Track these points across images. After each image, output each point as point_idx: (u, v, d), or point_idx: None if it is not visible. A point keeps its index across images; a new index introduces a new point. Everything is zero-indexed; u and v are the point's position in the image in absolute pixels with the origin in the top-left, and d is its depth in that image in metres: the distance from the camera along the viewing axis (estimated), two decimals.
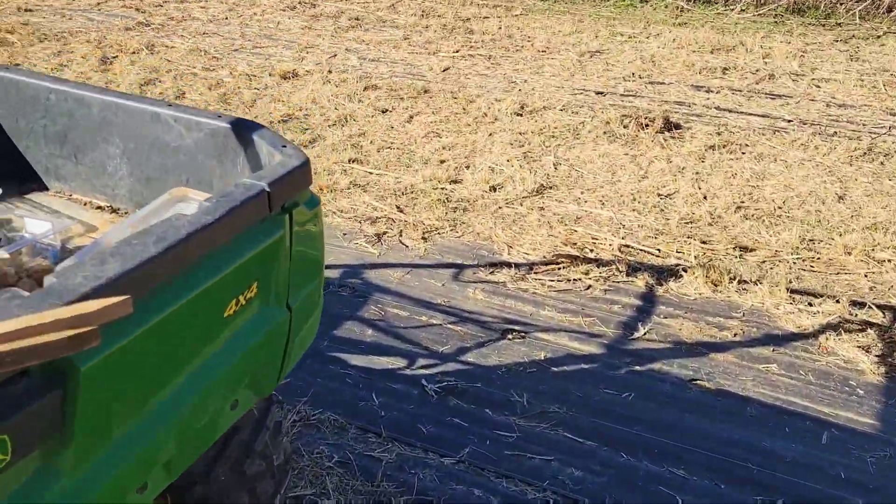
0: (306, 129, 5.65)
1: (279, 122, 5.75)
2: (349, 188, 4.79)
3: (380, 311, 3.67)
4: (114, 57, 6.94)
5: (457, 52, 7.67)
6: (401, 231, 4.39)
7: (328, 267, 3.97)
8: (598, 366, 3.40)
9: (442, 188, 4.87)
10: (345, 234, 4.31)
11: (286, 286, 1.57)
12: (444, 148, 5.46)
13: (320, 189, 4.73)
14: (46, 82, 1.96)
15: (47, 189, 2.19)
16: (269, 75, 6.71)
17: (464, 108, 6.16)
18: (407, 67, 7.17)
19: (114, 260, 1.19)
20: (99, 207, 2.08)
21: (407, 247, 4.25)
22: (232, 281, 1.40)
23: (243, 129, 1.77)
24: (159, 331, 1.26)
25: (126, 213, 2.06)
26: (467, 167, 5.19)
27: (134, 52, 7.09)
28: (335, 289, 3.79)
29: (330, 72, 6.86)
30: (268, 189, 1.47)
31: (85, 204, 2.09)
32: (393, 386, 3.21)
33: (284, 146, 1.66)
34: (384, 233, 4.36)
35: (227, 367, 1.46)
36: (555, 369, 3.36)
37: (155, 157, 1.94)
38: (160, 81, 6.44)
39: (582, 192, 4.92)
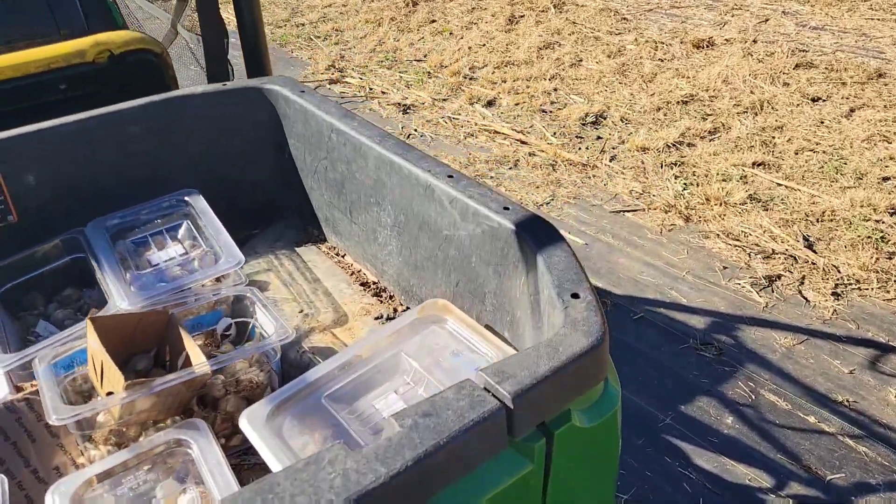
0: (708, 116, 4.70)
1: (677, 103, 4.89)
2: (745, 203, 3.79)
3: (751, 391, 2.76)
4: (521, 16, 6.72)
5: None
6: (803, 276, 3.31)
7: (691, 311, 3.14)
8: None
9: (878, 220, 3.58)
10: (724, 268, 3.39)
11: None
12: (892, 159, 4.06)
13: (706, 200, 3.83)
14: (332, 118, 1.56)
15: (325, 241, 1.84)
16: (680, 43, 5.81)
17: None
18: (860, 40, 5.60)
19: None
20: (363, 284, 1.65)
21: (808, 301, 3.18)
22: None
23: (531, 239, 1.13)
24: None
25: (391, 298, 1.60)
26: None
27: (542, 11, 6.78)
28: (695, 343, 2.97)
29: (754, 42, 5.68)
30: (511, 405, 0.82)
31: (352, 274, 1.69)
32: None
33: (576, 295, 0.97)
34: (779, 276, 3.32)
35: None
36: None
37: (425, 241, 1.42)
38: (559, 45, 6.01)
39: None
